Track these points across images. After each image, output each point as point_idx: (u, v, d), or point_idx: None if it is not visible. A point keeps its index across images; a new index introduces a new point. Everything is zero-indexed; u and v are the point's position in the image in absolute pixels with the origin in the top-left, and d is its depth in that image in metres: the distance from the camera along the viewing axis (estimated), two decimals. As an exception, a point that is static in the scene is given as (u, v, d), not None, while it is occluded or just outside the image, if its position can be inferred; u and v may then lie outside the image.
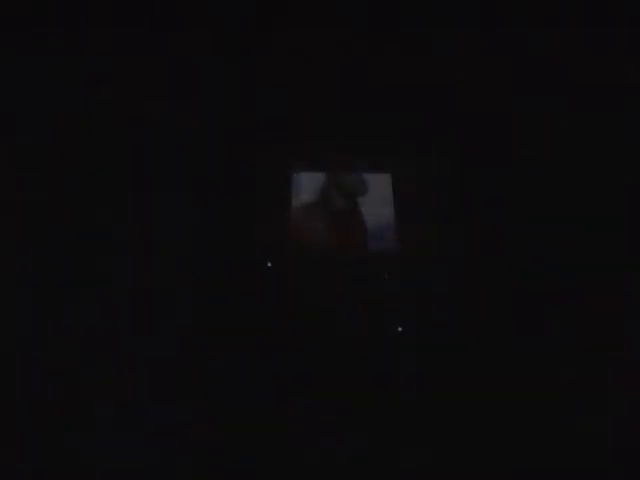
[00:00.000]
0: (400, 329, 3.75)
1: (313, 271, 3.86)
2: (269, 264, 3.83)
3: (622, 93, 3.95)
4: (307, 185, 3.94)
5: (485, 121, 3.95)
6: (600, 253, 3.84)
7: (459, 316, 3.78)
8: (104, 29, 3.96)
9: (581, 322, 3.77)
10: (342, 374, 3.71)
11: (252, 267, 3.85)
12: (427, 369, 3.71)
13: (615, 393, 3.68)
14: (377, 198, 3.92)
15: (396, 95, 3.97)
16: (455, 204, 3.90)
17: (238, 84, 3.98)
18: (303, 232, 3.90)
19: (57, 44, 3.95)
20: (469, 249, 3.86)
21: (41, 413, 3.64)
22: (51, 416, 3.63)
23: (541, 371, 3.68)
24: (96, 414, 3.64)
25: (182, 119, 3.95)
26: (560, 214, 3.89)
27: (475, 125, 3.95)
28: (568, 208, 3.90)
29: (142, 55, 3.96)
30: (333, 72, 3.97)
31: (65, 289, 3.76)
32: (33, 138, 3.92)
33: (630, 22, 3.95)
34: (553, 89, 3.97)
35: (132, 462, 3.58)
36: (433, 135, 3.95)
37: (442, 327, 3.75)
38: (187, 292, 3.79)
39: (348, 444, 3.62)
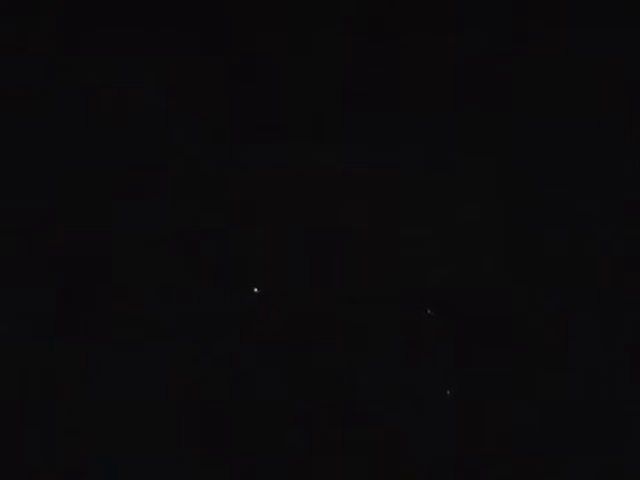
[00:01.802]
0: (448, 392, 3.71)
1: (313, 274, 3.85)
2: (256, 289, 3.80)
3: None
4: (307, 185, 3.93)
5: (485, 121, 3.94)
6: (599, 253, 3.85)
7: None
8: (104, 29, 3.95)
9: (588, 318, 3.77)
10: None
11: (251, 267, 3.85)
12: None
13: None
14: (378, 199, 3.91)
15: (396, 95, 3.96)
16: (456, 204, 3.90)
17: (238, 84, 3.97)
18: (303, 234, 3.89)
19: (56, 44, 3.94)
20: (474, 251, 3.86)
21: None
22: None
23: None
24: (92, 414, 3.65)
25: (180, 119, 3.94)
26: (560, 213, 3.89)
27: (476, 125, 3.94)
28: (568, 207, 3.90)
29: (142, 55, 3.95)
30: (333, 72, 3.97)
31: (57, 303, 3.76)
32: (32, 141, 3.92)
33: (630, 22, 3.95)
34: (554, 89, 3.97)
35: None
36: (433, 135, 3.94)
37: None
38: (178, 298, 3.79)
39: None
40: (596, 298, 3.79)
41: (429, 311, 3.75)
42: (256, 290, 3.80)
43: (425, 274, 3.83)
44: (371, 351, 3.76)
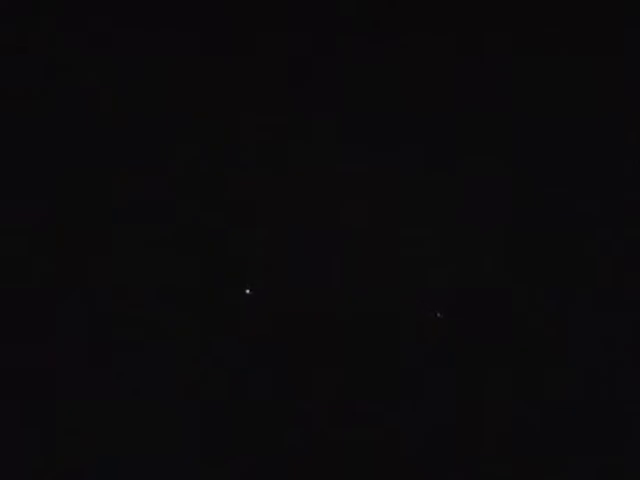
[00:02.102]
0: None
1: (313, 274, 3.85)
2: (248, 291, 3.78)
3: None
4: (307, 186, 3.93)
5: (486, 121, 3.94)
6: (599, 253, 3.85)
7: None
8: (104, 29, 3.95)
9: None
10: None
11: (251, 267, 3.84)
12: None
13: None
14: (378, 199, 3.91)
15: (396, 95, 3.96)
16: (456, 204, 3.90)
17: (238, 84, 3.97)
18: (303, 234, 3.89)
19: (57, 44, 3.94)
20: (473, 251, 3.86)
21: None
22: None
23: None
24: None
25: (180, 119, 3.94)
26: (560, 213, 3.89)
27: (476, 125, 3.94)
28: (568, 207, 3.90)
29: (142, 55, 3.95)
30: (333, 72, 3.97)
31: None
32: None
33: (631, 22, 3.95)
34: (554, 89, 3.97)
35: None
36: (433, 135, 3.94)
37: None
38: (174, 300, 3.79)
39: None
40: (596, 298, 3.79)
41: (439, 314, 3.75)
42: (248, 292, 3.79)
43: (425, 274, 3.83)
44: (370, 350, 3.76)
